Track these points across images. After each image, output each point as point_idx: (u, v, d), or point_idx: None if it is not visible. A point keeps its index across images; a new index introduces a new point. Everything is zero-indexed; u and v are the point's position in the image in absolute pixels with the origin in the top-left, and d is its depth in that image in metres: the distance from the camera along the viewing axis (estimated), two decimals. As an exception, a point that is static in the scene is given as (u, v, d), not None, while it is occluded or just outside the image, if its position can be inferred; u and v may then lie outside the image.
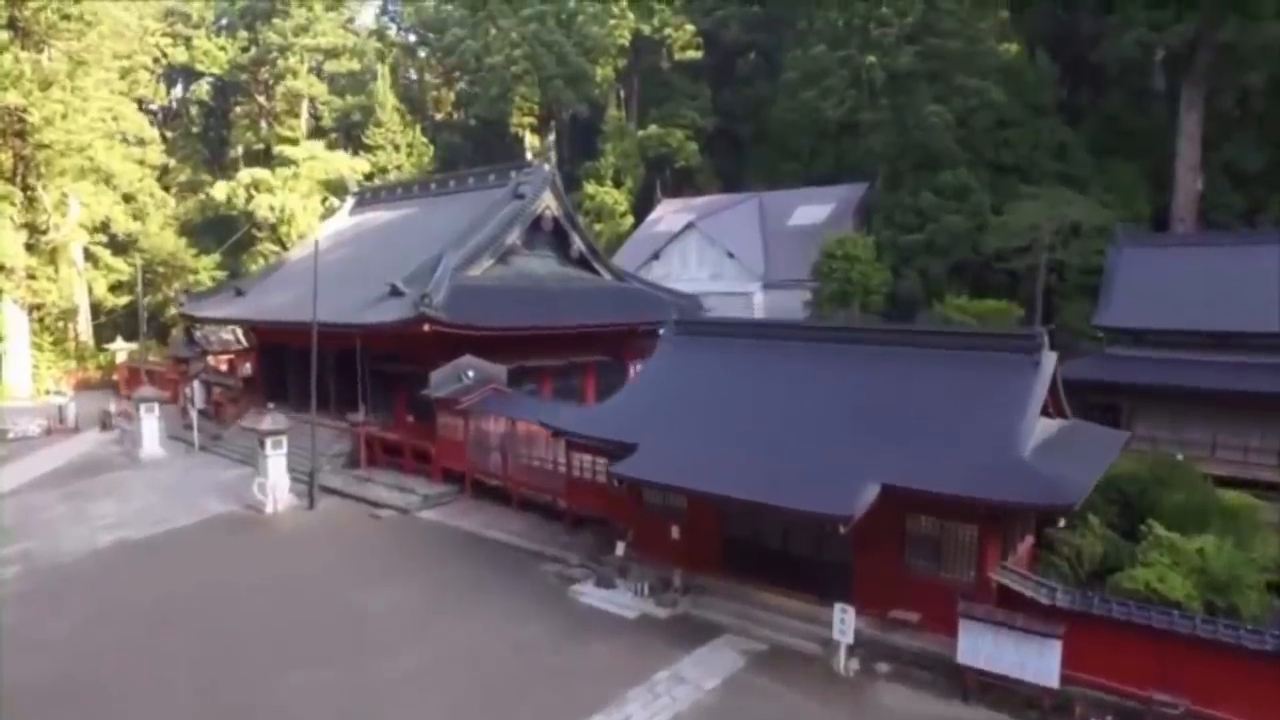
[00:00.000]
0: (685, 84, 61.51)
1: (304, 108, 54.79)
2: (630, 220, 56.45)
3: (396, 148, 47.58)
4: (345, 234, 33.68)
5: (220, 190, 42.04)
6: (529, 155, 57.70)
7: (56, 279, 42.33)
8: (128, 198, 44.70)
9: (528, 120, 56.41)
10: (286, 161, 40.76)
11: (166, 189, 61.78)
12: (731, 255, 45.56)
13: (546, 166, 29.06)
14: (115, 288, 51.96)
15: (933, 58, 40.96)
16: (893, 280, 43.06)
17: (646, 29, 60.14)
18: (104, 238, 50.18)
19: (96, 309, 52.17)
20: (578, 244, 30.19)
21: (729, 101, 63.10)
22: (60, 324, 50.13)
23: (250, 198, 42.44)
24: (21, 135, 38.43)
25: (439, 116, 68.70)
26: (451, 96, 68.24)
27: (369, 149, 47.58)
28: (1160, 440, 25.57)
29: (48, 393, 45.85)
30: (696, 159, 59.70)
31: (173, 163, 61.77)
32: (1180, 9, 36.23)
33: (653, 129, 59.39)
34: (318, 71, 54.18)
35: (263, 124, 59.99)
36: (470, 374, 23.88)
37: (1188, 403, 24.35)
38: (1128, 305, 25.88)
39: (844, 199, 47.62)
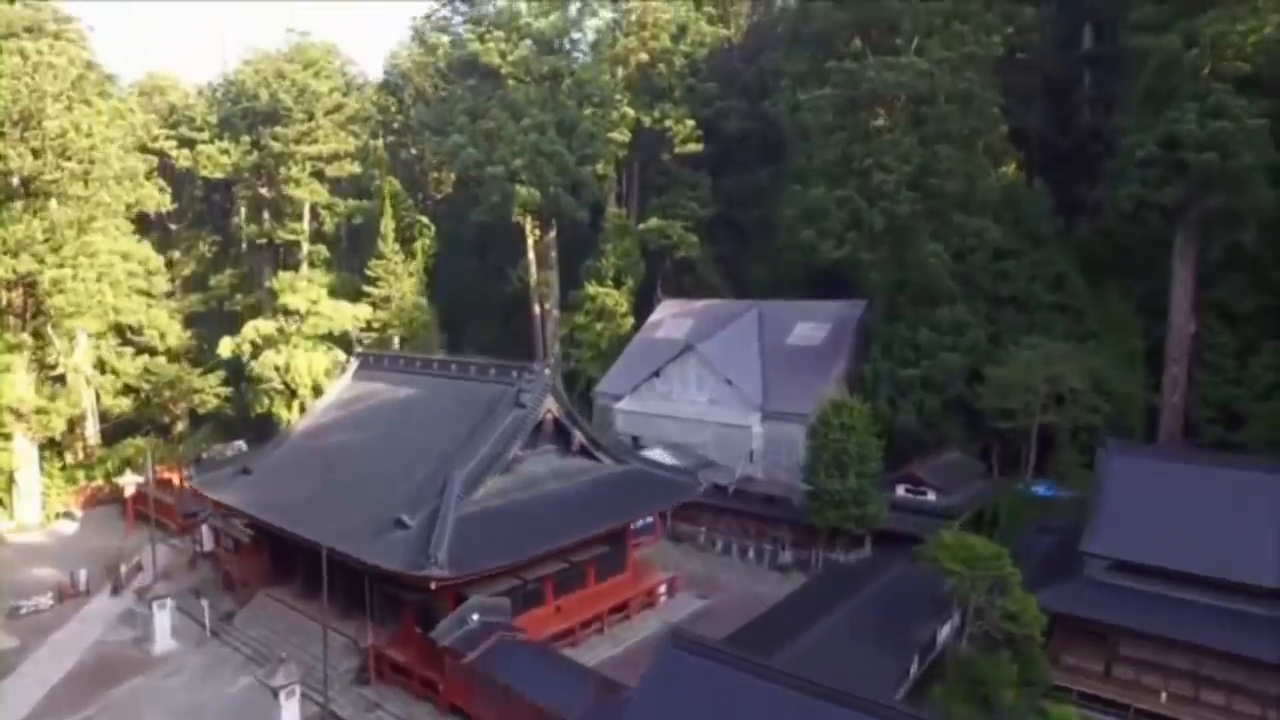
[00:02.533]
0: (686, 173, 61.84)
1: (306, 210, 55.33)
2: (631, 321, 57.02)
3: (397, 276, 48.26)
4: (349, 409, 34.27)
5: (225, 347, 42.71)
6: (530, 252, 58.48)
7: (65, 411, 43.01)
8: (134, 330, 45.41)
9: (529, 214, 56.83)
10: (289, 312, 41.46)
11: (171, 281, 62.42)
12: (730, 382, 46.09)
13: (547, 371, 29.69)
14: (122, 392, 52.55)
15: (932, 197, 41.40)
16: (890, 413, 43.80)
17: (647, 120, 60.59)
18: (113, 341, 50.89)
19: (104, 415, 52.83)
20: (578, 437, 30.84)
21: (730, 188, 63.46)
22: (68, 431, 50.83)
23: (256, 351, 43.05)
24: (33, 285, 39.00)
25: (439, 196, 69.19)
26: (452, 177, 68.68)
27: (371, 280, 48.28)
28: (1144, 666, 26.33)
29: (57, 516, 46.62)
30: (697, 250, 60.25)
31: (177, 255, 62.36)
32: (1170, 172, 36.67)
33: (654, 222, 59.96)
34: (319, 175, 54.67)
35: (265, 215, 60.52)
36: (475, 617, 24.58)
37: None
38: (1117, 533, 26.45)
39: (842, 318, 48.10)
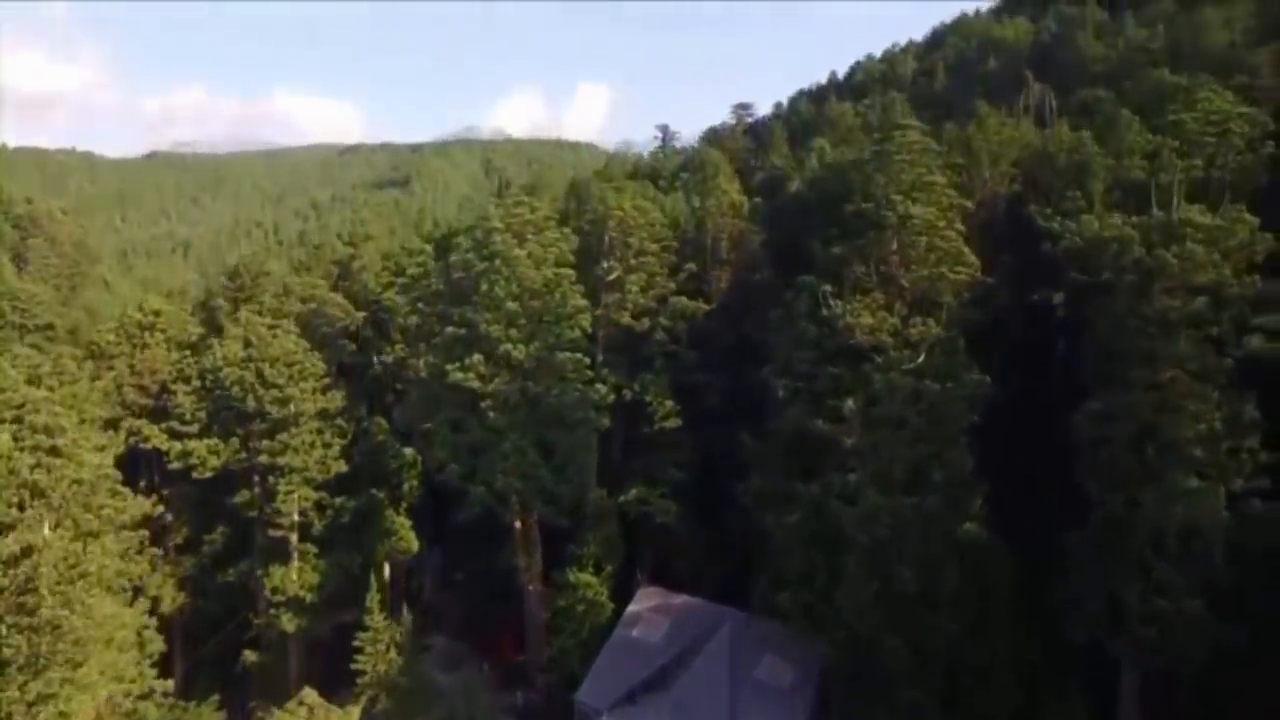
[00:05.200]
0: (667, 436, 63.27)
1: (294, 510, 57.06)
2: (611, 607, 58.82)
3: (386, 647, 50.29)
4: None
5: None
6: (516, 538, 60.19)
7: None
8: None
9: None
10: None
11: (166, 549, 64.14)
12: (699, 732, 48.09)
13: None
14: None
15: (894, 600, 43.08)
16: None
17: (628, 394, 62.15)
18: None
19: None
20: None
21: (711, 447, 64.85)
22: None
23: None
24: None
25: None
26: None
27: (359, 649, 50.26)
28: None
29: None
30: (675, 518, 61.96)
31: (169, 518, 64.00)
32: (1117, 627, 38.42)
33: (634, 493, 61.72)
34: (307, 475, 56.42)
35: (255, 480, 62.11)
36: None
37: None
38: None
39: (810, 658, 49.80)
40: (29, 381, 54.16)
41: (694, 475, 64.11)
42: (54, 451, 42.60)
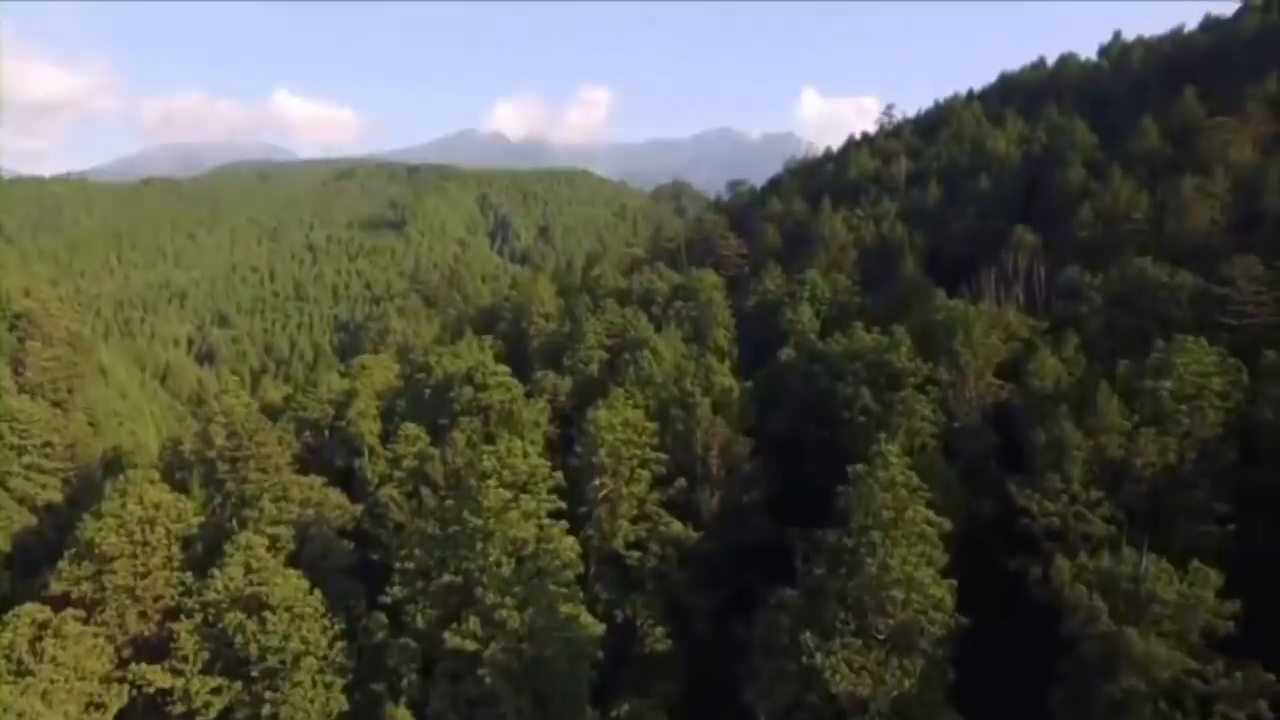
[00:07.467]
0: (659, 655, 64.85)
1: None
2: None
3: None
4: None
5: None
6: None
7: None
8: None
9: None
10: None
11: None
12: None
13: None
14: None
15: None
16: None
17: (619, 616, 63.70)
18: None
19: None
20: None
21: (702, 656, 66.49)
22: None
23: None
24: None
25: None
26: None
27: None
28: None
29: None
30: (670, 737, 63.68)
31: (174, 734, 65.28)
32: None
33: (626, 708, 63.30)
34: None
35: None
36: None
37: None
38: None
39: None
40: (32, 645, 55.90)
41: (686, 686, 65.92)
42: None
